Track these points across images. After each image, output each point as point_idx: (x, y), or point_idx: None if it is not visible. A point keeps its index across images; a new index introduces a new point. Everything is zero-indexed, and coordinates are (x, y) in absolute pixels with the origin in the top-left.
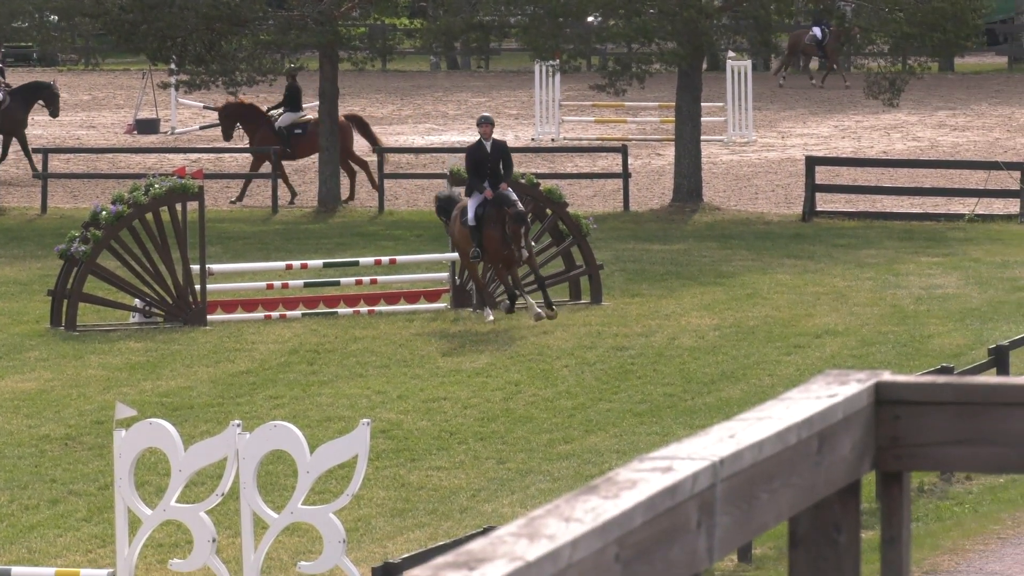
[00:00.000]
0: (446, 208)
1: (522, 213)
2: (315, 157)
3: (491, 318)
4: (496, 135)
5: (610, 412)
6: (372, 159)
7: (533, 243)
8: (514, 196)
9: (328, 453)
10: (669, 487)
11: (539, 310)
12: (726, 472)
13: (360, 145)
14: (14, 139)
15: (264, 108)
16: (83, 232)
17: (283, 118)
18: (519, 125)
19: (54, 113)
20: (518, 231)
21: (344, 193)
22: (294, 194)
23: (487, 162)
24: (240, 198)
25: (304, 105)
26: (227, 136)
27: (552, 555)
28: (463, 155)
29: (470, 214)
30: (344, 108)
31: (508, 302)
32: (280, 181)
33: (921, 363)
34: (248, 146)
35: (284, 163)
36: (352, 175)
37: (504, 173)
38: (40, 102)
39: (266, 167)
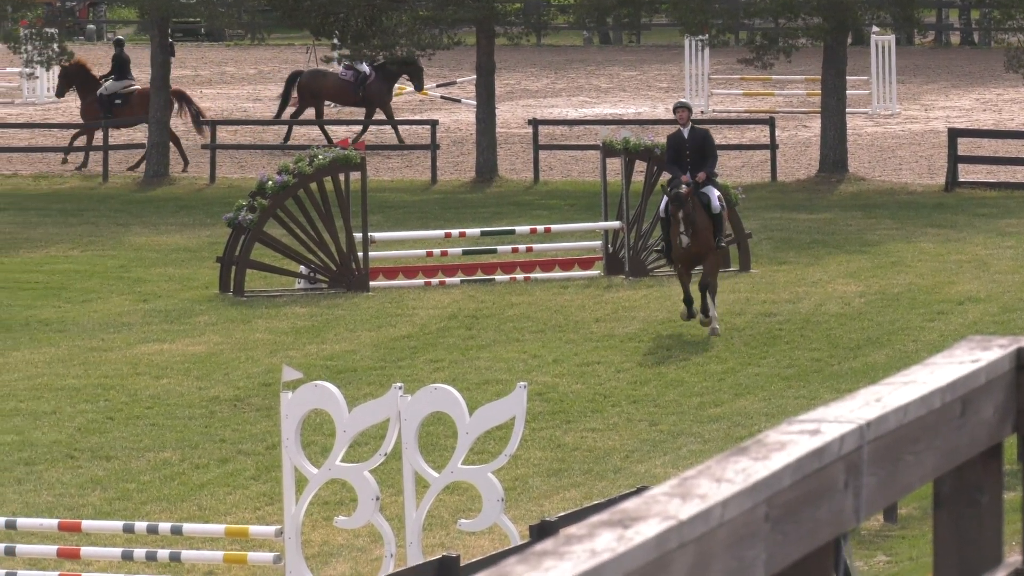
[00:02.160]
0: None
1: (681, 195)
2: (472, 129)
3: (714, 326)
4: (646, 108)
5: (758, 376)
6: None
7: (724, 244)
8: (712, 192)
9: (486, 415)
10: (817, 449)
11: (716, 325)
12: (872, 435)
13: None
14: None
15: (98, 75)
16: (250, 201)
17: (108, 86)
18: (669, 98)
19: (418, 87)
20: (676, 213)
21: (501, 166)
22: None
23: (685, 150)
24: (83, 165)
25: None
26: (59, 93)
27: (704, 514)
28: (614, 127)
29: (661, 205)
30: (500, 82)
31: (687, 311)
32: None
33: None
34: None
35: (111, 131)
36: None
37: (708, 164)
38: (405, 76)
39: (421, 138)
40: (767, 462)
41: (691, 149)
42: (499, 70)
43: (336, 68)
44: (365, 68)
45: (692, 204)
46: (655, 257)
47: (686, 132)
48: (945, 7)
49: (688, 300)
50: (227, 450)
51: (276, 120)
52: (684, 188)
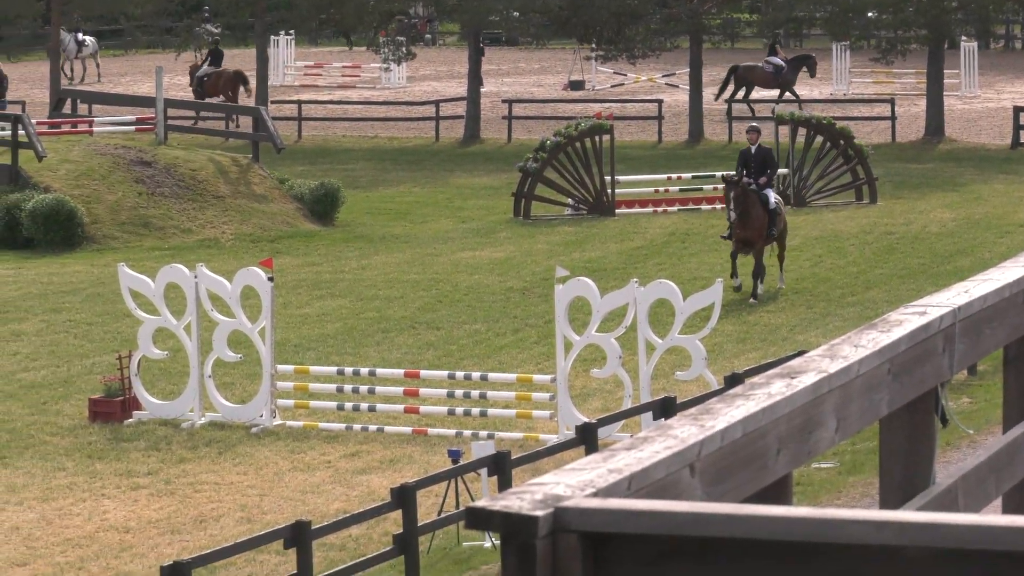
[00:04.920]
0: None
1: (730, 179)
2: (686, 105)
3: (737, 282)
4: (804, 91)
5: (882, 275)
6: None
7: (774, 233)
8: (770, 193)
9: (695, 301)
10: (924, 325)
11: (752, 299)
12: (962, 315)
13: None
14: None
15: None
16: (535, 154)
17: (203, 70)
18: (822, 84)
19: (812, 74)
20: (727, 194)
21: (706, 131)
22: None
23: (751, 163)
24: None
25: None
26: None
27: (845, 369)
28: (783, 104)
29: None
30: (706, 73)
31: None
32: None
33: None
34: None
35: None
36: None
37: (767, 173)
38: (804, 68)
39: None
40: (889, 334)
41: (755, 163)
42: (705, 65)
43: (760, 63)
44: (782, 63)
45: (743, 192)
46: (813, 192)
47: (753, 149)
48: (1010, 23)
49: (734, 274)
50: (518, 323)
51: (716, 98)
52: (735, 179)
